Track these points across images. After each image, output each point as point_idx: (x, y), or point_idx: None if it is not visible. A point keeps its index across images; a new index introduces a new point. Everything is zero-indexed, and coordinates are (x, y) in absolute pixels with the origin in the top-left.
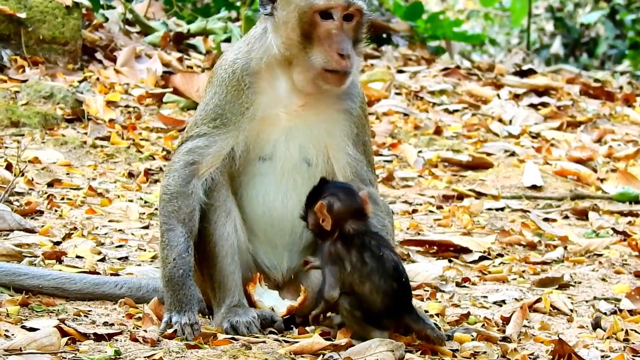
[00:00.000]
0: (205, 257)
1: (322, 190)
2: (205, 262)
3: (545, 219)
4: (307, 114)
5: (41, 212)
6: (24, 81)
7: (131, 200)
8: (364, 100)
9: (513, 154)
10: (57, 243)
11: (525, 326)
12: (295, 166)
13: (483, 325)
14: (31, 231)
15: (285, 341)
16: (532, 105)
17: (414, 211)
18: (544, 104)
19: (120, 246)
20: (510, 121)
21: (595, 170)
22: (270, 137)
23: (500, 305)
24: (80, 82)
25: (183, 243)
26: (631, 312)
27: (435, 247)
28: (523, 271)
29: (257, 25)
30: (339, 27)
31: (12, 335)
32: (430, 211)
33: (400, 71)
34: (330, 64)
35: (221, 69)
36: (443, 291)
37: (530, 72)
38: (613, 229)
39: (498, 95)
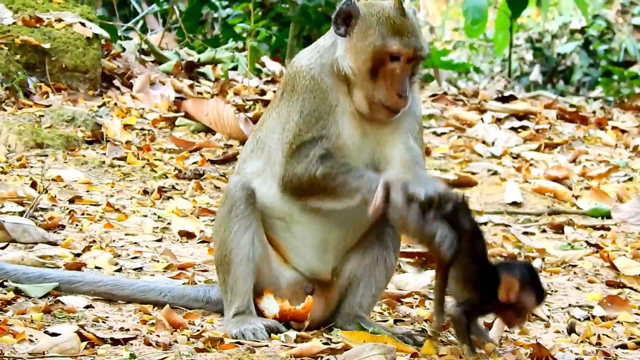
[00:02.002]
0: (221, 261)
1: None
2: (221, 266)
3: (525, 233)
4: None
5: (63, 227)
6: (48, 106)
7: (145, 216)
8: (421, 103)
9: (495, 173)
10: (78, 255)
11: (506, 331)
12: (367, 163)
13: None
14: (54, 244)
15: (287, 346)
16: (513, 129)
17: None
18: (524, 127)
19: (136, 258)
20: (493, 143)
21: (570, 188)
22: (348, 136)
23: None
24: (99, 107)
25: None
26: (603, 318)
27: (424, 258)
28: None
29: (326, 38)
30: (402, 69)
31: (36, 340)
32: None
33: None
34: (389, 102)
35: (300, 78)
36: (431, 299)
37: (512, 98)
38: (587, 241)
39: (482, 119)
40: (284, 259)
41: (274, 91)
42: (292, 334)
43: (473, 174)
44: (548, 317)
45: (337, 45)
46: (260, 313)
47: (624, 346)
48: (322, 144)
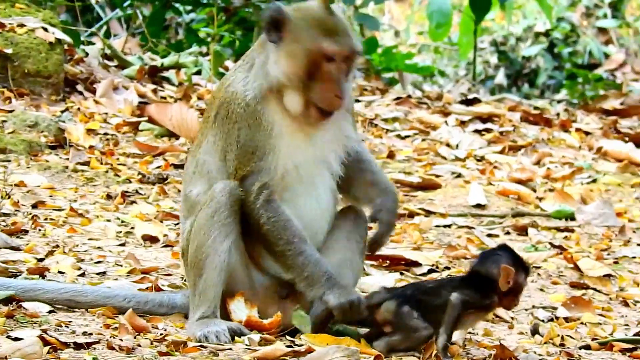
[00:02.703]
0: (195, 264)
1: (506, 256)
2: (194, 269)
3: (489, 235)
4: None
5: (26, 232)
6: (11, 111)
7: (109, 220)
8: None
9: (459, 175)
10: (41, 260)
11: (470, 332)
12: (316, 170)
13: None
14: (17, 249)
15: (251, 349)
16: (477, 131)
17: (369, 228)
18: (488, 130)
19: (99, 262)
20: (457, 146)
21: (534, 190)
22: (293, 151)
23: None
24: (62, 112)
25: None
26: (566, 319)
27: (387, 261)
28: None
29: (257, 50)
30: (338, 69)
31: None
32: None
33: (356, 100)
34: (325, 103)
35: (234, 104)
36: None
37: (476, 101)
38: (550, 243)
39: (446, 122)
40: (259, 264)
41: None
42: (256, 336)
43: (437, 176)
44: (512, 318)
45: (269, 55)
46: (227, 314)
47: (587, 347)
48: (262, 178)
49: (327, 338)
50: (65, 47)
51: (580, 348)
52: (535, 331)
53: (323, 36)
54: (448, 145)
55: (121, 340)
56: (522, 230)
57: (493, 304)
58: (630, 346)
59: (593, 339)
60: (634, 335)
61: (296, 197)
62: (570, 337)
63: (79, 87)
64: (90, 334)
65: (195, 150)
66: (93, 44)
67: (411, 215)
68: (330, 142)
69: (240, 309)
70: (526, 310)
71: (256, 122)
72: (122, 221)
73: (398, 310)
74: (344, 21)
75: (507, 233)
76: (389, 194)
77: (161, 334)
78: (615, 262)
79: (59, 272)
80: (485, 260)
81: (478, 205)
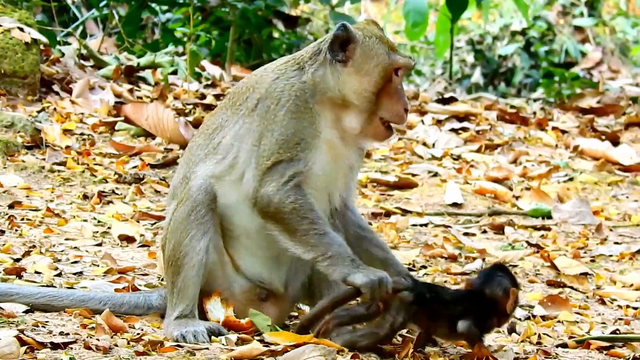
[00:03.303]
0: (173, 263)
1: (508, 278)
2: (172, 267)
3: (465, 234)
4: (341, 145)
5: (2, 232)
6: None
7: (85, 220)
8: None
9: (436, 174)
10: (17, 260)
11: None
12: (332, 187)
13: (408, 331)
14: None
15: (227, 348)
16: (453, 130)
17: None
18: (465, 129)
19: (76, 262)
20: (434, 144)
21: (511, 189)
22: (326, 159)
23: None
24: (38, 112)
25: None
26: (543, 318)
27: None
28: (445, 281)
29: (309, 58)
30: (399, 82)
31: None
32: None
33: None
34: (396, 117)
35: (285, 99)
36: None
37: (452, 100)
38: (527, 242)
39: (422, 121)
40: (238, 266)
41: (215, 95)
42: (233, 336)
43: (413, 175)
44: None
45: (328, 73)
46: (204, 313)
47: (564, 345)
48: (298, 167)
49: (304, 337)
50: (42, 47)
51: (557, 346)
52: (512, 330)
53: (392, 51)
54: (424, 144)
55: (98, 340)
56: (499, 229)
57: (493, 325)
58: (607, 344)
59: (570, 337)
60: (611, 333)
61: None
62: (547, 335)
63: (55, 87)
64: (67, 333)
65: (211, 133)
66: (69, 44)
67: (388, 214)
68: (349, 165)
69: (217, 309)
70: None
71: (310, 119)
72: (99, 221)
73: (408, 305)
74: None
75: (484, 232)
76: (405, 276)
77: (138, 334)
78: (592, 261)
79: (36, 272)
80: (489, 282)
81: (455, 204)
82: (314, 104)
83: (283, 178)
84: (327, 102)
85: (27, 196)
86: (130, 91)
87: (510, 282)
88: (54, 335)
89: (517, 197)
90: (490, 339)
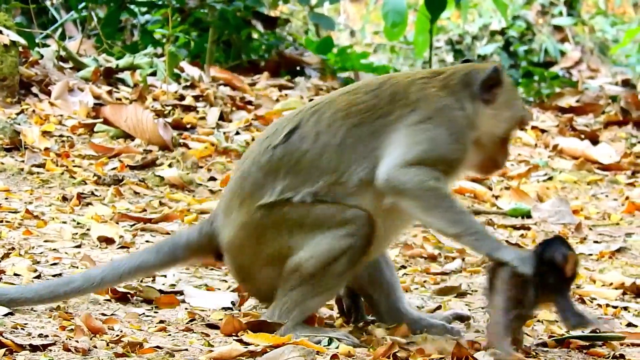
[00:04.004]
0: (313, 282)
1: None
2: (308, 282)
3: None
4: None
5: None
6: None
7: (65, 222)
8: None
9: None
10: None
11: (427, 331)
12: None
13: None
14: None
15: (206, 349)
16: None
17: None
18: None
19: (55, 264)
20: None
21: (490, 189)
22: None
23: None
24: (17, 114)
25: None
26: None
27: None
28: (424, 281)
29: (458, 88)
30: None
31: None
32: None
33: (312, 100)
34: (502, 164)
35: (453, 118)
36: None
37: None
38: (507, 241)
39: None
40: None
41: (194, 96)
42: (214, 332)
43: None
44: (468, 317)
45: (475, 109)
46: None
47: (544, 344)
48: (452, 165)
49: (268, 337)
50: (20, 49)
51: (537, 345)
52: None
53: (523, 107)
54: None
55: (77, 342)
56: None
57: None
58: (586, 343)
59: (550, 337)
60: (591, 332)
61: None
62: (527, 334)
63: (34, 89)
64: (46, 335)
65: (346, 133)
66: (48, 46)
67: None
68: None
69: None
70: (483, 308)
71: (462, 150)
72: (78, 223)
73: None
74: None
75: None
76: None
77: (117, 335)
78: None
79: (15, 274)
80: (548, 249)
81: None
82: (471, 132)
83: (432, 172)
84: (475, 138)
85: (6, 198)
86: (110, 93)
87: (569, 249)
88: (33, 337)
89: (496, 197)
90: (471, 338)
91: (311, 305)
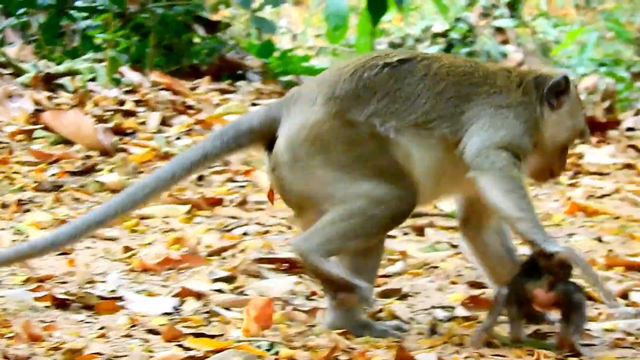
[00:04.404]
0: (345, 226)
1: None
2: (343, 222)
3: (388, 236)
4: None
5: None
6: None
7: (4, 229)
8: None
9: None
10: None
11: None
12: None
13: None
14: None
15: (148, 355)
16: None
17: (267, 232)
18: None
19: None
20: None
21: None
22: None
23: None
24: None
25: None
26: (465, 319)
27: (286, 264)
28: None
29: (520, 89)
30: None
31: None
32: (282, 231)
33: (253, 104)
34: (558, 173)
35: (529, 115)
36: (293, 304)
37: None
38: (449, 243)
39: None
40: None
41: (135, 101)
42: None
43: None
44: (411, 319)
45: (538, 111)
46: None
47: (489, 344)
48: (524, 156)
49: (209, 342)
50: None
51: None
52: (433, 331)
53: (584, 120)
54: None
55: (16, 349)
56: (420, 231)
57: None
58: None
59: (492, 338)
60: (532, 333)
61: None
62: (469, 336)
63: None
64: None
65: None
66: None
67: None
68: None
69: None
70: (425, 310)
71: (532, 139)
72: (17, 230)
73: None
74: None
75: (406, 234)
76: None
77: (57, 342)
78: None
79: None
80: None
81: None
82: (534, 136)
83: (509, 157)
84: (536, 141)
85: None
86: (49, 98)
87: None
88: None
89: None
90: (413, 341)
91: (339, 244)
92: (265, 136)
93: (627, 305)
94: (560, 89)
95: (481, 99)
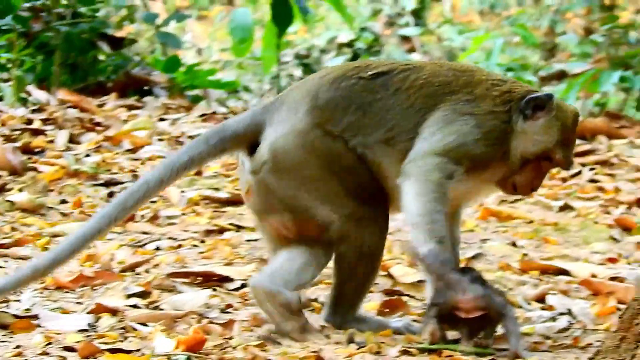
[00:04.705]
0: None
1: None
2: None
3: None
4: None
5: None
6: None
7: None
8: None
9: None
10: None
11: (288, 345)
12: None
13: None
14: None
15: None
16: None
17: (179, 246)
18: None
19: None
20: None
21: None
22: (473, 184)
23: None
24: None
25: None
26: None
27: (200, 278)
28: None
29: (501, 97)
30: (547, 169)
31: None
32: (195, 245)
33: (161, 119)
34: (522, 191)
35: (498, 124)
36: (208, 317)
37: None
38: None
39: None
40: None
41: (42, 120)
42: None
43: None
44: (327, 329)
45: (513, 119)
46: None
47: (405, 352)
48: (478, 164)
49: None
50: None
51: (397, 355)
52: (350, 340)
53: (560, 144)
54: None
55: None
56: None
57: None
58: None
59: (408, 344)
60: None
61: None
62: (385, 343)
63: None
64: None
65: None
66: None
67: (221, 231)
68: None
69: None
70: None
71: (497, 147)
72: None
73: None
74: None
75: None
76: None
77: None
78: None
79: None
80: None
81: None
82: (503, 136)
83: (441, 163)
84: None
85: None
86: None
87: None
88: None
89: None
90: (330, 350)
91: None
92: (249, 140)
93: (543, 309)
94: (540, 104)
95: (446, 106)
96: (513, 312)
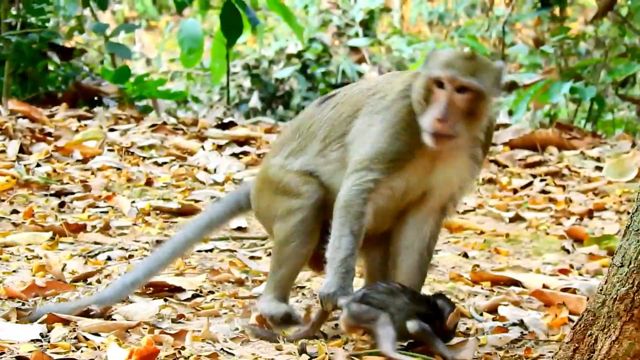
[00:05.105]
0: (278, 257)
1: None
2: (276, 258)
3: (251, 257)
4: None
5: None
6: None
7: None
8: (488, 146)
9: (219, 200)
10: None
11: (241, 357)
12: (414, 196)
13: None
14: None
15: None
16: (234, 155)
17: (130, 257)
18: (245, 153)
19: None
20: (215, 170)
21: None
22: (413, 173)
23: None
24: None
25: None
26: (335, 337)
27: (151, 288)
28: (233, 305)
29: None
30: (447, 96)
31: None
32: (145, 255)
33: (111, 129)
34: (428, 127)
35: (400, 108)
36: (160, 328)
37: (232, 125)
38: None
39: (202, 147)
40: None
41: None
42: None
43: (196, 201)
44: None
45: (407, 104)
46: None
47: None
48: (392, 160)
49: None
50: None
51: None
52: (302, 351)
53: (440, 66)
54: (206, 169)
55: None
56: None
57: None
58: None
59: (358, 351)
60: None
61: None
62: (334, 354)
63: None
64: None
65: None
66: None
67: None
68: (442, 181)
69: None
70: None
71: (411, 131)
72: None
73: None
74: (480, 65)
75: (269, 255)
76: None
77: None
78: None
79: None
80: (441, 297)
81: (239, 228)
82: (408, 116)
83: (357, 180)
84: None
85: None
86: None
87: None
88: None
89: None
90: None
91: (279, 276)
92: None
93: (495, 320)
94: (427, 58)
95: (367, 109)
96: (385, 320)
